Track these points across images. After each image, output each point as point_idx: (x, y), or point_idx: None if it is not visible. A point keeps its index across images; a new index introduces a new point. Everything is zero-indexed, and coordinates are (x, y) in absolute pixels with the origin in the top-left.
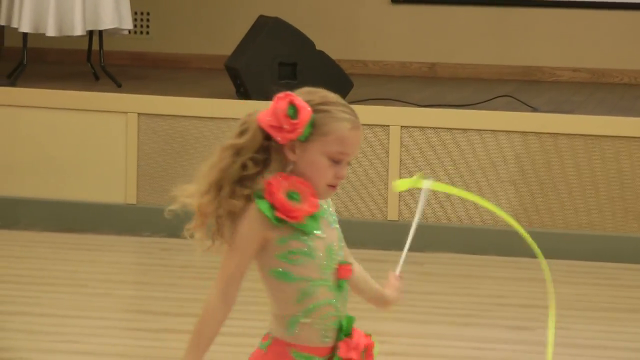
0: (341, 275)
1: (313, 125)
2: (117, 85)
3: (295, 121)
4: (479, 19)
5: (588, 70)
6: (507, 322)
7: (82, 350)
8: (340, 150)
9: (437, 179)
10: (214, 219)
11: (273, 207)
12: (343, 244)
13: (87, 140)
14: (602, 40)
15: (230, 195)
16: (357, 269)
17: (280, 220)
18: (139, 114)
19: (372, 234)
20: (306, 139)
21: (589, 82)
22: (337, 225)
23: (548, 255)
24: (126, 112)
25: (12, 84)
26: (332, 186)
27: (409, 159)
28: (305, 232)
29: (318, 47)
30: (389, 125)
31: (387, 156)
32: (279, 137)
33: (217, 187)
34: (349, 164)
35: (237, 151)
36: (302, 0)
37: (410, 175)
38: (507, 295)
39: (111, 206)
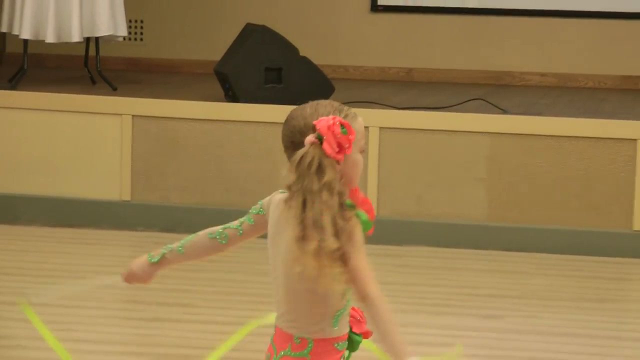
0: None
1: None
2: (113, 89)
3: (351, 136)
4: (453, 27)
5: (555, 75)
6: (479, 311)
7: (80, 338)
8: (365, 141)
9: (414, 177)
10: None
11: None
12: None
13: (84, 140)
14: (569, 47)
15: (343, 225)
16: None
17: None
18: (133, 116)
19: None
20: None
21: (556, 86)
22: None
23: (519, 248)
24: (121, 114)
25: (13, 87)
26: None
27: (387, 158)
28: None
29: (302, 53)
30: (368, 127)
31: (367, 156)
32: (342, 156)
33: (334, 225)
34: None
35: (330, 187)
36: (287, 9)
37: (391, 175)
38: (479, 286)
39: (107, 203)
